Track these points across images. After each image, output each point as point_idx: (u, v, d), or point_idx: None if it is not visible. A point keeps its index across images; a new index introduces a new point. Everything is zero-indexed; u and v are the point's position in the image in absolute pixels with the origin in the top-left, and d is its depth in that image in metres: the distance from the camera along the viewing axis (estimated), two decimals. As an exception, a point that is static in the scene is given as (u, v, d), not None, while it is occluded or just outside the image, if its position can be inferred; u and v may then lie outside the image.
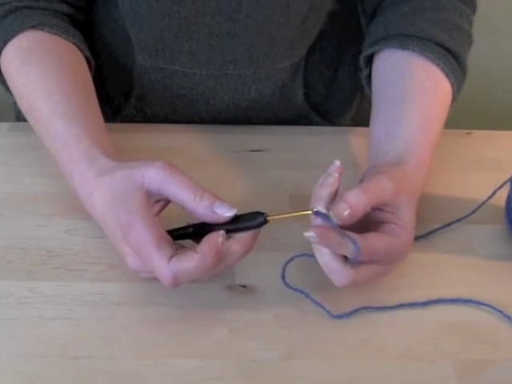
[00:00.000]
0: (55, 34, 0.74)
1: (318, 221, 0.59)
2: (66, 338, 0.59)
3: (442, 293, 0.64)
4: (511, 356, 0.60)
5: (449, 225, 0.71)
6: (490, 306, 0.63)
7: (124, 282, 0.64)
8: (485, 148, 0.82)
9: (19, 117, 0.93)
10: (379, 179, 0.61)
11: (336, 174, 0.60)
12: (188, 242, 0.61)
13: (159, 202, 0.60)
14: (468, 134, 0.85)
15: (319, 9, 0.82)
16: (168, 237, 0.58)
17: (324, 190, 0.59)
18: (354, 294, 0.63)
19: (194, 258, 0.56)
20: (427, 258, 0.68)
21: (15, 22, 0.74)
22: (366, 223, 0.61)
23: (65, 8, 0.78)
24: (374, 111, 0.74)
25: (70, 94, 0.69)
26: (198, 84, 0.82)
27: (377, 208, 0.60)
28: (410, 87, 0.72)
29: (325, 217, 0.58)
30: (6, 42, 0.73)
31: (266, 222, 0.58)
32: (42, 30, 0.74)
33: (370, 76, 0.79)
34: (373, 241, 0.59)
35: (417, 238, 0.68)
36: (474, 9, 0.81)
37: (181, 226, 0.61)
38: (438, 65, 0.73)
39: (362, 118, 0.94)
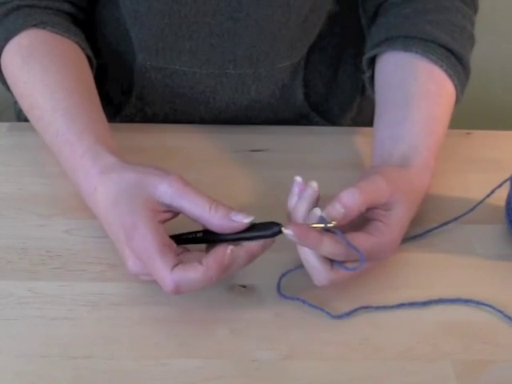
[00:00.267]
0: (57, 32, 0.74)
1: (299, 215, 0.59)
2: (66, 338, 0.59)
3: (442, 293, 0.64)
4: (511, 356, 0.60)
5: (446, 223, 0.71)
6: (490, 306, 0.63)
7: (124, 282, 0.64)
8: (485, 148, 0.82)
9: (19, 117, 0.93)
10: (374, 179, 0.61)
11: (315, 184, 0.59)
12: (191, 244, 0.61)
13: (167, 213, 0.60)
14: (468, 134, 0.85)
15: (320, 9, 0.82)
16: (172, 244, 0.58)
17: (302, 203, 0.59)
18: (354, 294, 0.63)
19: (198, 270, 0.56)
20: (427, 257, 0.68)
21: (17, 21, 0.74)
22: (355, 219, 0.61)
23: (67, 7, 0.78)
24: (377, 113, 0.74)
25: (72, 91, 0.69)
26: (198, 83, 0.82)
27: (371, 208, 0.61)
28: (414, 90, 0.72)
29: (337, 231, 0.58)
30: (7, 40, 0.73)
31: (280, 232, 0.58)
32: (43, 28, 0.74)
33: (372, 78, 0.79)
34: (357, 242, 0.58)
35: (414, 237, 0.69)
36: (475, 9, 0.81)
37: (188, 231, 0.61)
38: (441, 66, 0.73)
39: (363, 118, 0.94)
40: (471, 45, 0.79)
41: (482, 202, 0.72)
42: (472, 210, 0.72)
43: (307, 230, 0.57)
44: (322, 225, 0.58)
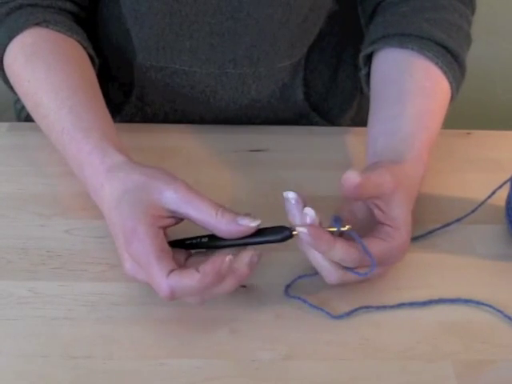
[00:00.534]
0: (60, 31, 0.74)
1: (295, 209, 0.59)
2: (66, 338, 0.59)
3: (442, 293, 0.64)
4: (511, 356, 0.60)
5: (448, 225, 0.71)
6: (490, 306, 0.63)
7: (124, 281, 0.63)
8: (485, 148, 0.82)
9: (19, 117, 0.93)
10: (379, 171, 0.61)
11: (291, 195, 0.59)
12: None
13: (170, 219, 0.59)
14: (468, 134, 0.85)
15: (320, 8, 0.82)
16: (169, 249, 0.58)
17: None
18: (354, 294, 0.63)
19: (194, 277, 0.55)
20: (427, 257, 0.68)
21: (20, 19, 0.74)
22: (361, 224, 0.61)
23: (69, 6, 0.78)
24: (372, 109, 0.74)
25: (76, 90, 0.69)
26: (199, 83, 0.83)
27: (372, 201, 0.60)
28: (409, 86, 0.72)
29: (353, 233, 0.58)
30: (10, 39, 0.73)
31: (291, 236, 0.58)
32: (46, 27, 0.74)
33: (368, 75, 0.79)
34: (370, 247, 0.58)
35: (416, 238, 0.69)
36: (473, 9, 0.81)
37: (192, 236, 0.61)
38: (436, 63, 0.73)
39: (362, 118, 0.93)
40: (467, 44, 0.79)
41: (483, 203, 0.72)
42: (474, 211, 0.72)
43: (321, 230, 0.57)
44: (335, 228, 0.58)
